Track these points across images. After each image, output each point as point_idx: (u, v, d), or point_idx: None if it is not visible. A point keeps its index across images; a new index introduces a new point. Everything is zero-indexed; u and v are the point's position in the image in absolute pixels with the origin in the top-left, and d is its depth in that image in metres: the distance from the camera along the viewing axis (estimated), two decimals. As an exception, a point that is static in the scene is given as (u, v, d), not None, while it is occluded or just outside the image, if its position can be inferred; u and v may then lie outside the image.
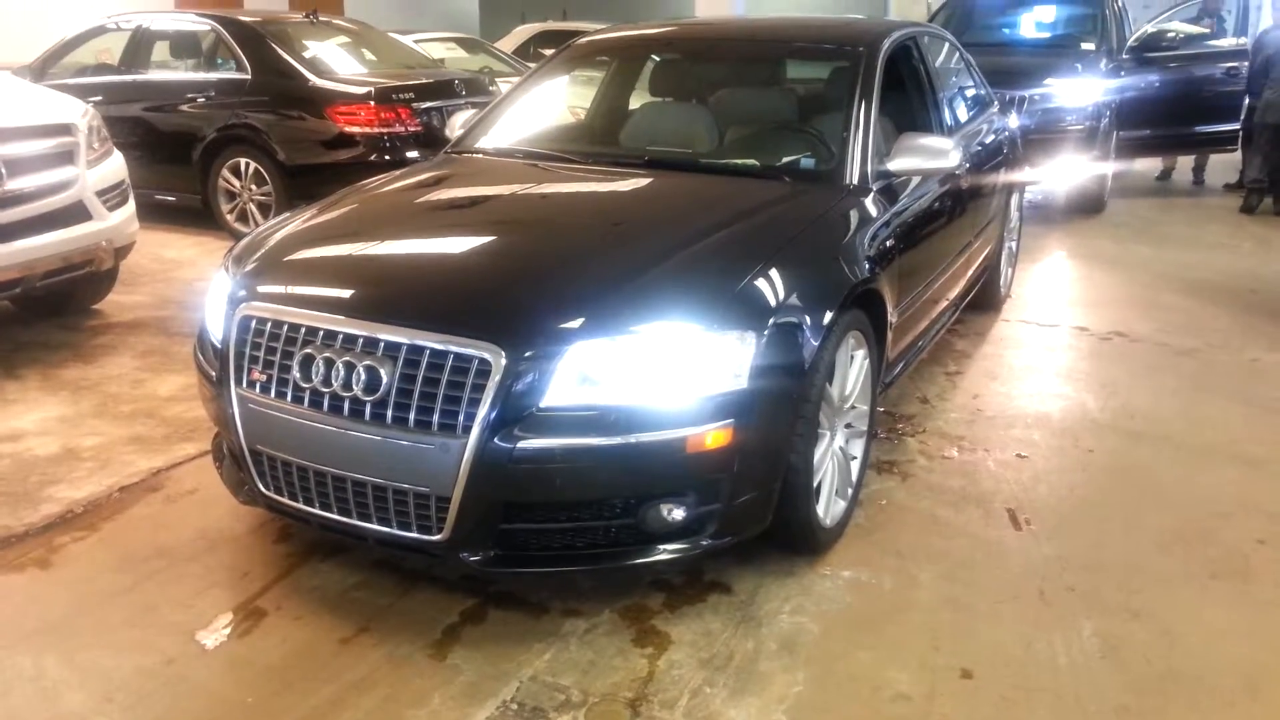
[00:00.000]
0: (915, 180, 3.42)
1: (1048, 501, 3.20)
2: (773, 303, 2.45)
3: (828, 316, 2.55)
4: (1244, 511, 3.14)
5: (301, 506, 2.49)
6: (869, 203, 3.09)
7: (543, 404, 2.24)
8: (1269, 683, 2.33)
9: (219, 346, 2.60)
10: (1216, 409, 4.03)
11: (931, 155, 3.19)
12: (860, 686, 2.29)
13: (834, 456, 2.77)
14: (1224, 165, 9.42)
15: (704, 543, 2.42)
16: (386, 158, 6.17)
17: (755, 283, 2.48)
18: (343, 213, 3.10)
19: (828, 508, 2.74)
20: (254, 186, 6.48)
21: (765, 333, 2.38)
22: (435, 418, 2.24)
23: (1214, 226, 7.70)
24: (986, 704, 2.24)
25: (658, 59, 4.30)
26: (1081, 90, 7.54)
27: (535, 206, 3.12)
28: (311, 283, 2.61)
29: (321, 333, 2.38)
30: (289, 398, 2.40)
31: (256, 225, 6.45)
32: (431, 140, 6.23)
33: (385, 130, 6.23)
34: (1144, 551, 2.90)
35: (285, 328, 2.44)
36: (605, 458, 2.25)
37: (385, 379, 2.28)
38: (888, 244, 3.07)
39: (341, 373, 2.32)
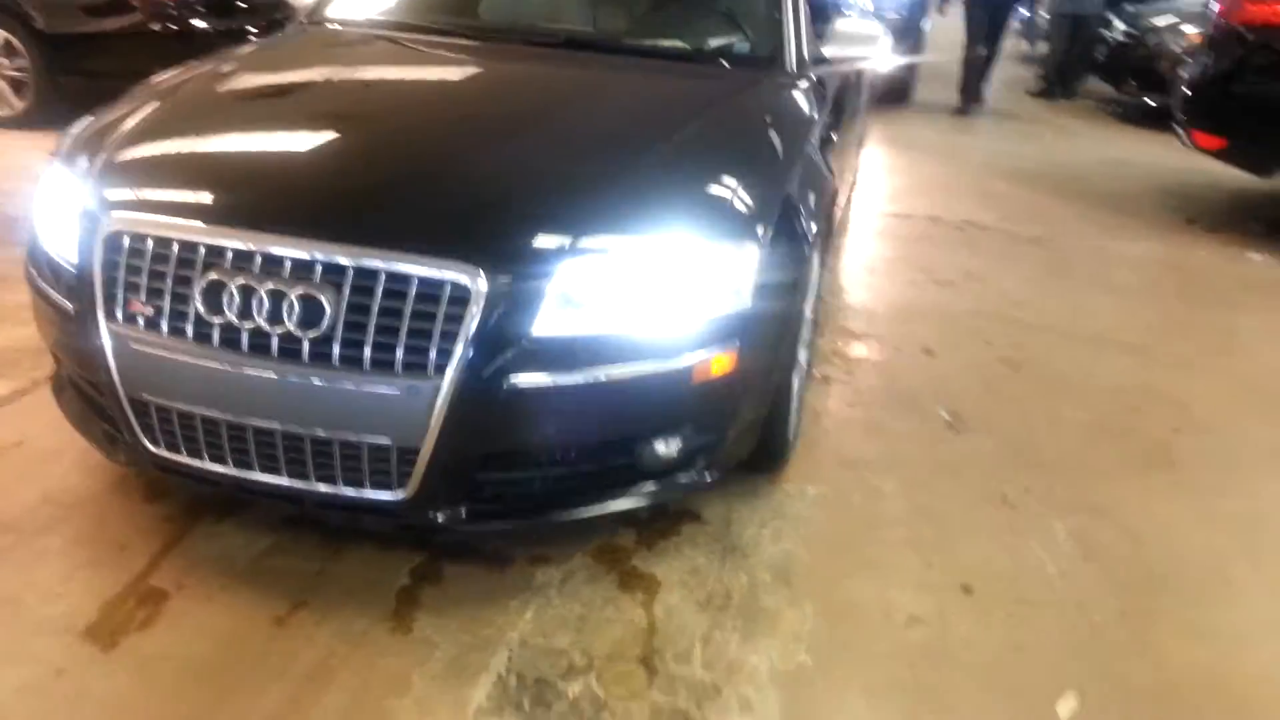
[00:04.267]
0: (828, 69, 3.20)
1: (969, 399, 3.18)
2: (770, 209, 2.18)
3: (815, 224, 2.32)
4: (1150, 401, 3.26)
5: (209, 466, 2.02)
6: (812, 92, 2.84)
7: (531, 334, 1.88)
8: (1235, 567, 2.41)
9: (75, 271, 2.03)
10: (1086, 297, 4.19)
11: (865, 41, 2.97)
12: (870, 614, 2.16)
13: (798, 369, 2.59)
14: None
15: (696, 478, 2.17)
16: (172, 27, 5.26)
17: (749, 186, 2.19)
18: (216, 94, 2.49)
19: (795, 425, 2.57)
20: (4, 60, 5.35)
21: (766, 242, 2.11)
22: (399, 355, 1.83)
23: (1016, 118, 8.07)
24: (997, 621, 2.17)
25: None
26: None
27: (460, 95, 2.62)
28: (207, 186, 2.06)
29: (231, 253, 1.88)
30: (189, 335, 1.90)
31: (8, 105, 5.39)
32: (230, 10, 5.36)
33: (169, -6, 5.28)
34: (1075, 447, 2.93)
35: (177, 247, 1.91)
36: (604, 393, 1.93)
37: (328, 310, 1.83)
38: (829, 137, 2.85)
39: (266, 303, 1.85)
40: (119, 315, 1.95)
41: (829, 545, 2.38)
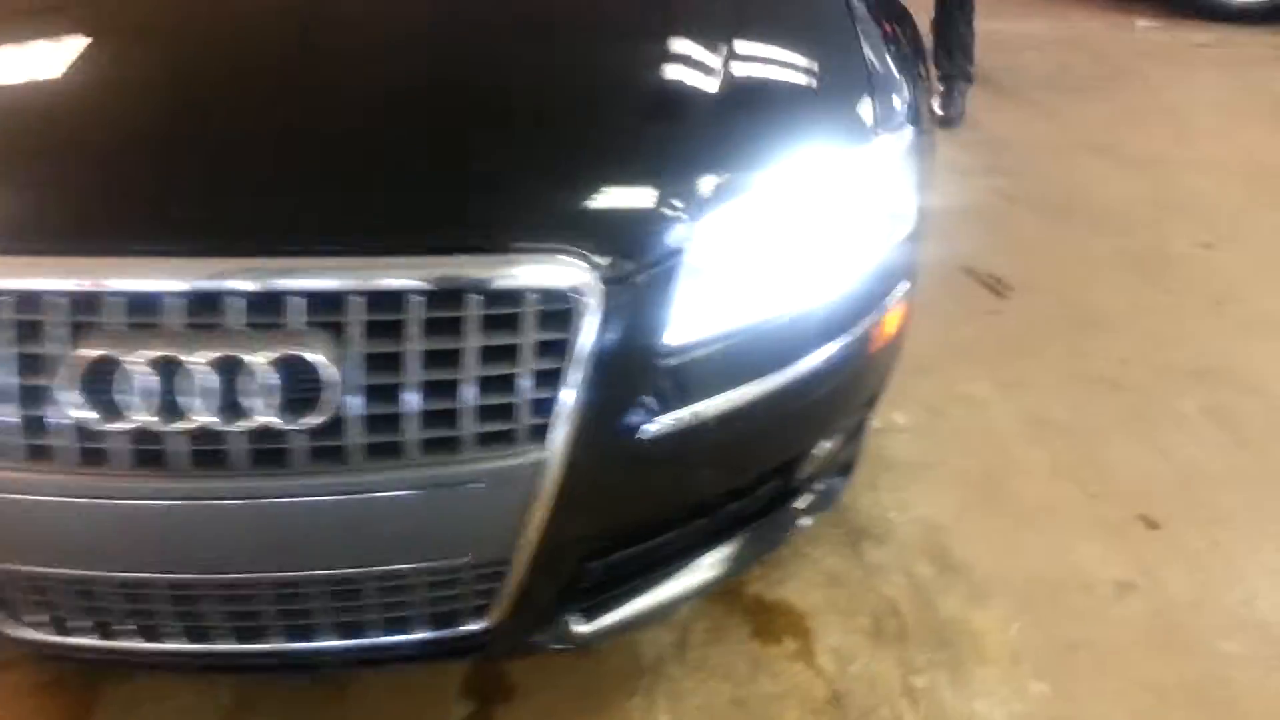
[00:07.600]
0: None
1: (990, 247, 2.71)
2: (895, 78, 1.48)
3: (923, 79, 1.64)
4: (1160, 213, 2.98)
5: (132, 645, 1.20)
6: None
7: (666, 345, 1.15)
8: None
9: None
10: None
11: None
12: (1071, 594, 1.68)
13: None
14: None
15: (840, 480, 1.56)
16: None
17: (855, 56, 1.45)
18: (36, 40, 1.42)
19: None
20: None
21: (914, 119, 1.43)
22: (469, 426, 1.06)
23: None
24: (1209, 561, 1.74)
25: None
26: None
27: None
28: (44, 181, 1.11)
29: (125, 302, 1.00)
30: (70, 457, 1.03)
31: None
32: None
33: None
34: (1129, 294, 2.55)
35: (13, 301, 1.00)
36: (771, 406, 1.24)
37: (328, 376, 1.01)
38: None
39: (210, 383, 1.00)
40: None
41: (967, 497, 1.87)
